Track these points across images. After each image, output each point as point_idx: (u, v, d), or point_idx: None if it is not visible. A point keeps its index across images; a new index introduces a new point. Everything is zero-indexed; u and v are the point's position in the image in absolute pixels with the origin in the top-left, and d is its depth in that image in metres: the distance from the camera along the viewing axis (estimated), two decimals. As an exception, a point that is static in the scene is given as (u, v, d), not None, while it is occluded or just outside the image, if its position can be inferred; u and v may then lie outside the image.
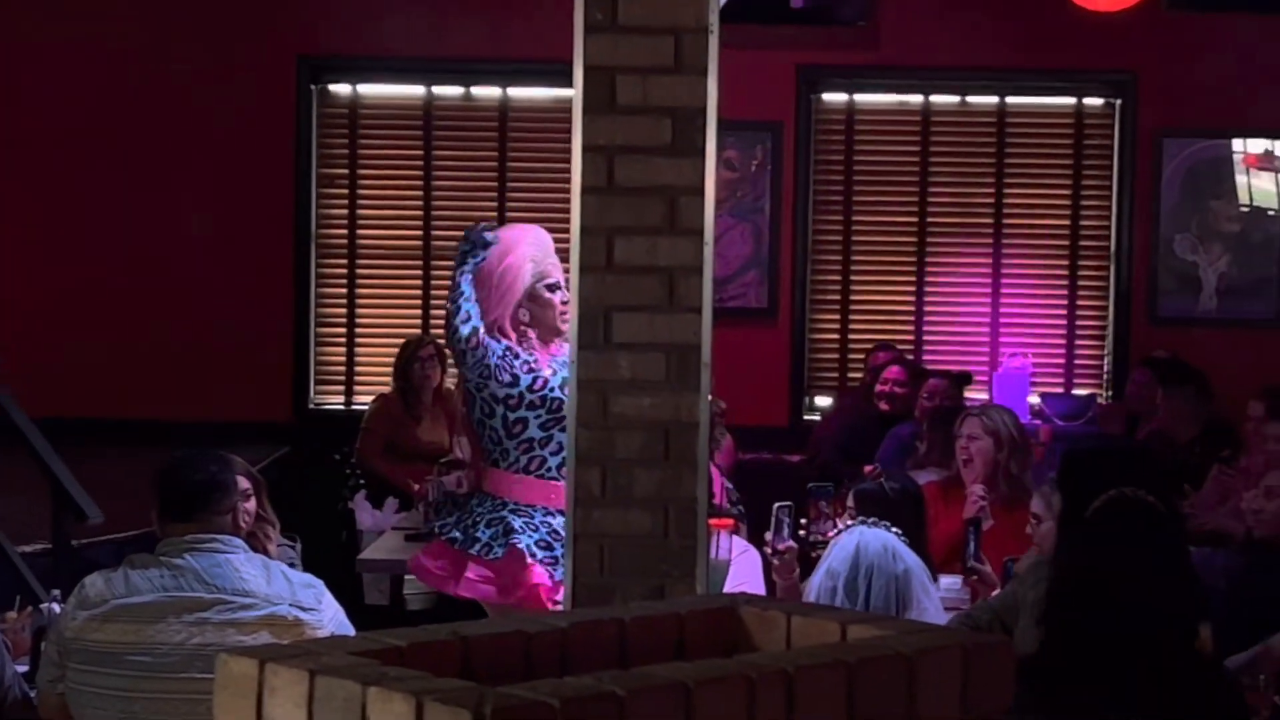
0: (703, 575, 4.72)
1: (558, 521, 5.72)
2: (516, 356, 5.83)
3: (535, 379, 5.80)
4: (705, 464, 4.69)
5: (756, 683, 2.13)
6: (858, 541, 5.45)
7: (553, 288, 5.91)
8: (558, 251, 5.88)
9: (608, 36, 4.63)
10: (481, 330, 5.77)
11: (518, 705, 2.00)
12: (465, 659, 2.32)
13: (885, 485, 5.99)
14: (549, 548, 5.74)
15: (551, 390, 5.80)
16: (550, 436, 5.79)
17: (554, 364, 5.88)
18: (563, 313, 5.85)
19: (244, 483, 6.11)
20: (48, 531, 7.34)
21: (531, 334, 5.92)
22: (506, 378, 5.79)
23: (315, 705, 2.11)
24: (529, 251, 5.94)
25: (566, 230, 10.84)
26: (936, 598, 5.60)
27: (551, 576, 5.68)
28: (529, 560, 5.71)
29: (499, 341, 5.83)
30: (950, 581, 6.19)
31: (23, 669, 5.45)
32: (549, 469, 5.80)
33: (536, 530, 5.77)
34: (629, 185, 4.63)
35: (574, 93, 4.63)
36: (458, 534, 5.82)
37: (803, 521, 6.02)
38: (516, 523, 5.78)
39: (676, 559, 4.66)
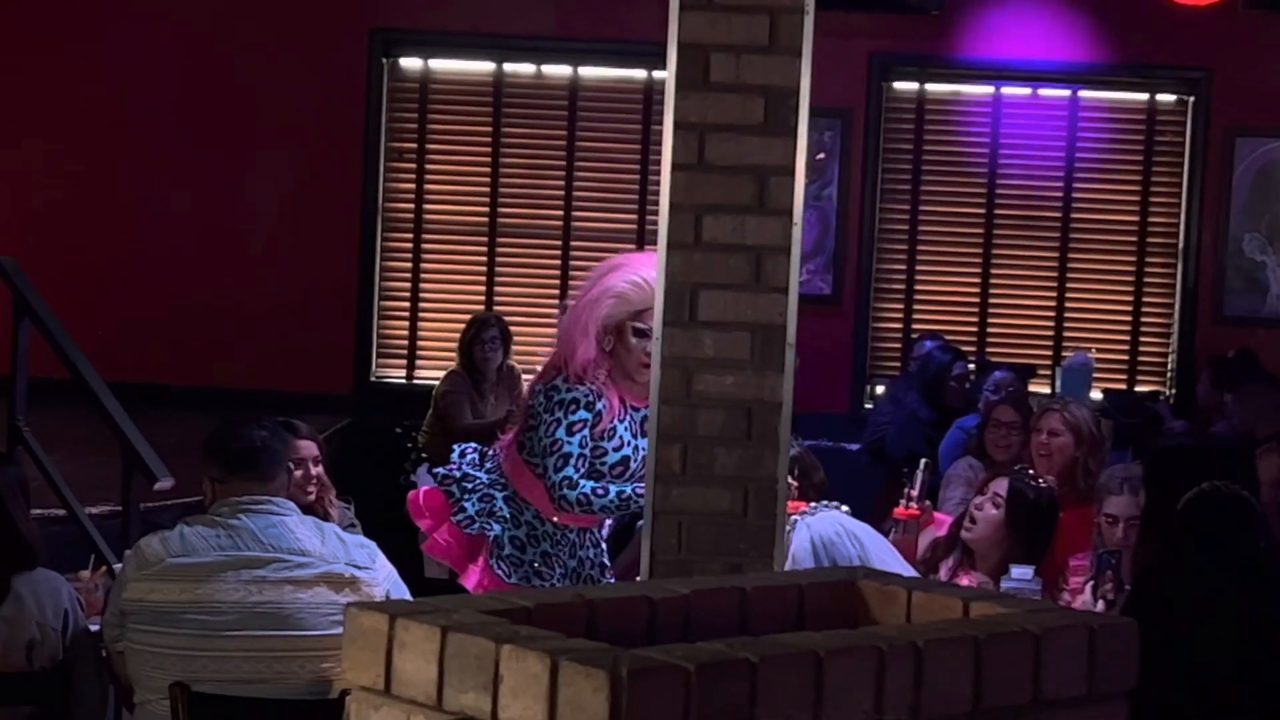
0: (780, 556, 4.71)
1: (545, 528, 5.65)
2: (593, 424, 5.58)
3: (595, 448, 5.57)
4: (787, 445, 4.68)
5: (886, 654, 2.13)
6: (810, 537, 5.47)
7: (642, 333, 5.47)
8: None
9: (703, 14, 4.62)
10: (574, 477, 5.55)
11: (653, 668, 2.00)
12: (590, 621, 2.31)
13: (1041, 486, 6.07)
14: (521, 548, 5.63)
15: (604, 461, 5.58)
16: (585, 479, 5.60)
17: (621, 428, 5.61)
18: (645, 363, 5.42)
19: (309, 449, 6.14)
20: (116, 494, 7.35)
21: (603, 371, 5.59)
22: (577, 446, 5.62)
23: (447, 661, 2.11)
24: (618, 286, 5.57)
25: (634, 209, 10.87)
26: (898, 556, 5.65)
27: (506, 577, 5.55)
28: (489, 555, 5.59)
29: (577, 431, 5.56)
30: (1021, 572, 6.17)
31: (94, 627, 5.47)
32: None
33: (518, 526, 5.63)
34: (719, 163, 4.63)
35: (667, 70, 4.62)
36: (455, 490, 5.72)
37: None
38: (505, 511, 5.65)
39: (755, 538, 4.65)
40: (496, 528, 5.64)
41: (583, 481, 5.53)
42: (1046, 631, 2.26)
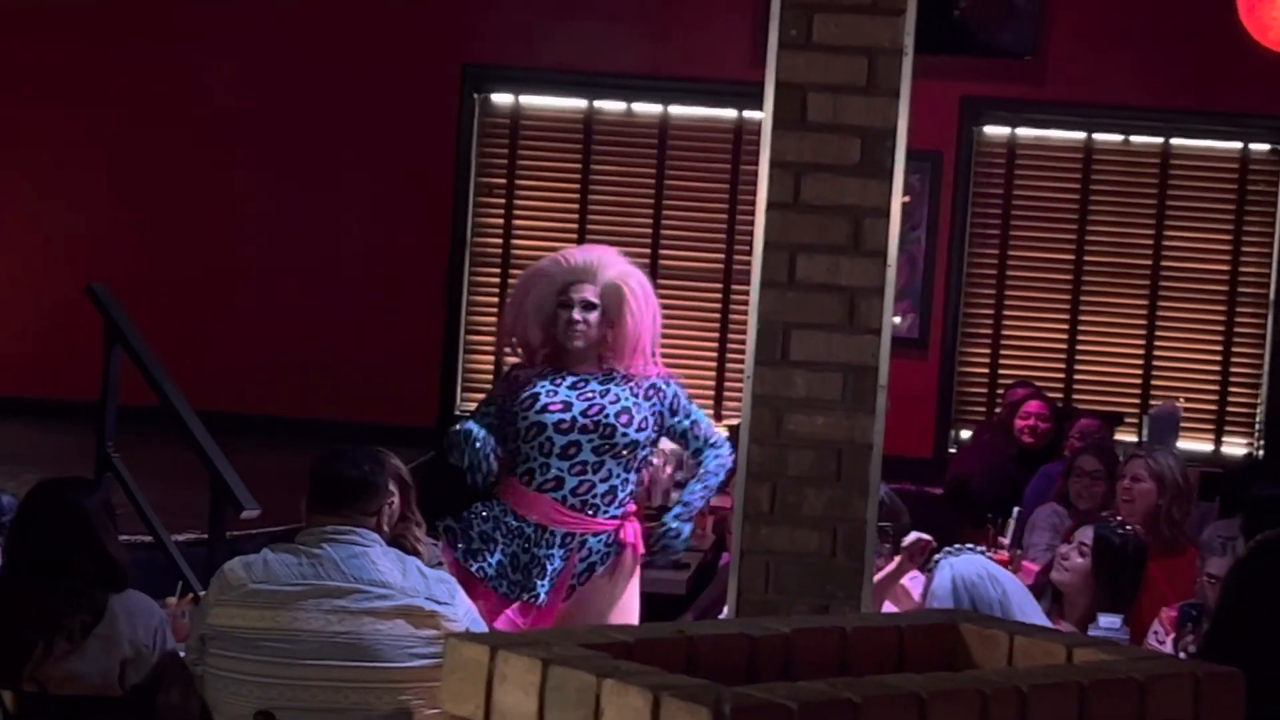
0: (868, 598, 4.69)
1: (509, 518, 5.81)
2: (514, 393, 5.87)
3: (514, 396, 5.82)
4: (877, 487, 4.66)
5: (990, 698, 2.11)
6: (952, 575, 5.46)
7: (565, 304, 5.82)
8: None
9: (802, 54, 4.63)
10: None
11: (757, 706, 1.98)
12: (690, 657, 2.30)
13: (1128, 533, 6.04)
14: (486, 540, 5.83)
15: (517, 397, 5.81)
16: (517, 449, 5.82)
17: (551, 387, 5.84)
18: (570, 326, 5.80)
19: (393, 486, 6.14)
20: (202, 522, 7.39)
21: (541, 353, 5.90)
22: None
23: (547, 694, 2.10)
24: (548, 268, 5.91)
25: (722, 249, 10.85)
26: (1041, 612, 5.61)
27: (482, 571, 5.77)
28: (451, 550, 5.82)
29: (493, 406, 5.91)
30: (1110, 620, 6.12)
31: (183, 653, 5.49)
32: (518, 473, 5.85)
33: (486, 522, 5.85)
34: (815, 203, 4.63)
35: (764, 109, 4.63)
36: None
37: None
38: (482, 511, 5.88)
39: (843, 580, 4.63)
40: (456, 526, 5.89)
41: (471, 422, 5.84)
42: (1151, 679, 2.24)
